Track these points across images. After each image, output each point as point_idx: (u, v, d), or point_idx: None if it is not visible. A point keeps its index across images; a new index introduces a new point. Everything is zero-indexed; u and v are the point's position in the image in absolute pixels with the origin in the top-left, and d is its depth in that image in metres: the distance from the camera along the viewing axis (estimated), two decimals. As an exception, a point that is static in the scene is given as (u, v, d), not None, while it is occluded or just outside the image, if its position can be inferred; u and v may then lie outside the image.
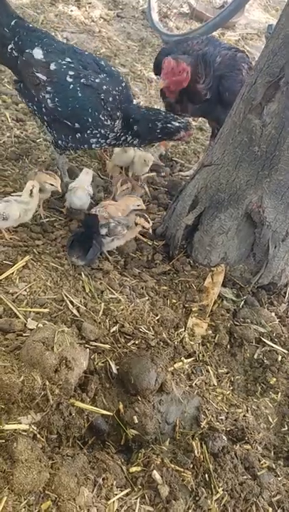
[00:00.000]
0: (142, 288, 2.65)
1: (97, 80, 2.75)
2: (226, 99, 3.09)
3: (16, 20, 2.77)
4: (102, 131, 2.83)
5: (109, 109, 2.79)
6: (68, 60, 2.74)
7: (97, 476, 1.78)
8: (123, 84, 2.88)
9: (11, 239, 2.63)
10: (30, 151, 3.39)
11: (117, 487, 1.80)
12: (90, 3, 5.77)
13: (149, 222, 2.82)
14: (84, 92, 2.73)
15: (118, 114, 2.84)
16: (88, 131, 2.81)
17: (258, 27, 6.57)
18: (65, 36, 4.99)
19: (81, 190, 2.89)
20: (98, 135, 2.85)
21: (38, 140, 3.51)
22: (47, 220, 2.91)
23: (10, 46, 2.73)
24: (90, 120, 2.78)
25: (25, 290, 2.36)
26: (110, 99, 2.78)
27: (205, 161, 2.89)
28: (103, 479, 1.78)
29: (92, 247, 2.56)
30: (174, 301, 2.66)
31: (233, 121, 2.63)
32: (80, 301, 2.41)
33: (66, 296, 2.41)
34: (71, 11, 5.48)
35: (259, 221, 2.70)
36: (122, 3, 6.12)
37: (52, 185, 2.77)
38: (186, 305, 2.65)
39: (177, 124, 2.94)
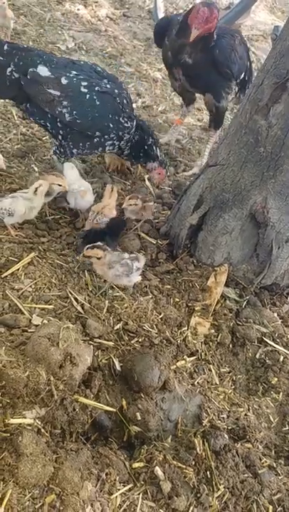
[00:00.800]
0: (146, 286, 2.67)
1: (108, 86, 2.80)
2: (216, 56, 3.26)
3: (7, 44, 2.76)
4: (120, 134, 2.89)
5: (127, 110, 2.85)
6: (75, 72, 2.76)
7: (100, 471, 1.80)
8: (124, 86, 2.96)
9: (16, 235, 2.64)
10: (36, 149, 3.41)
11: (119, 482, 1.82)
12: (96, 2, 5.78)
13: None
14: (101, 99, 2.77)
15: (132, 115, 2.91)
16: (106, 136, 2.85)
17: (263, 28, 6.58)
18: (71, 35, 5.01)
19: (90, 193, 2.92)
20: (115, 138, 2.90)
21: (43, 138, 3.53)
22: (52, 217, 2.93)
23: (9, 69, 2.70)
24: (111, 126, 2.83)
25: (30, 286, 2.38)
26: (124, 101, 2.86)
27: (210, 161, 2.91)
28: (106, 474, 1.79)
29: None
30: (178, 299, 2.68)
31: (239, 121, 2.64)
32: (85, 299, 2.43)
33: (71, 293, 2.42)
34: (78, 9, 5.49)
35: (263, 222, 2.72)
36: (129, 3, 6.14)
37: (60, 185, 2.79)
38: (189, 304, 2.67)
39: (158, 154, 3.10)
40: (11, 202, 2.57)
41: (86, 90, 2.73)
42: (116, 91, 2.83)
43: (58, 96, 2.71)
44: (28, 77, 2.69)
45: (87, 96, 2.74)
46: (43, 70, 2.70)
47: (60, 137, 2.87)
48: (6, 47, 2.72)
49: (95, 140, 2.86)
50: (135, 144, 3.04)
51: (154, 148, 3.09)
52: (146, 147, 3.06)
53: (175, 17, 3.43)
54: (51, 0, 5.48)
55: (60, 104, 2.72)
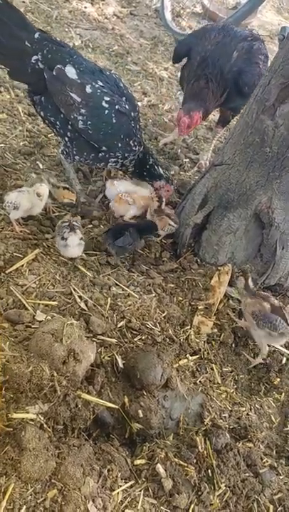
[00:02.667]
0: (150, 285, 2.67)
1: (127, 107, 2.79)
2: (245, 92, 3.20)
3: (40, 33, 2.70)
4: (126, 155, 2.90)
5: (138, 135, 2.86)
6: (100, 83, 2.73)
7: (102, 467, 1.80)
8: (137, 109, 2.94)
9: (21, 232, 2.65)
10: (42, 146, 3.41)
11: (121, 479, 1.82)
12: (103, 0, 5.78)
13: None
14: (118, 119, 2.76)
15: (142, 141, 2.92)
16: (112, 153, 2.86)
17: (270, 29, 6.56)
18: (78, 33, 5.00)
19: (110, 183, 3.03)
20: (120, 156, 2.90)
21: (49, 135, 3.53)
22: (56, 214, 2.93)
23: (35, 58, 2.65)
24: (119, 145, 2.83)
25: (34, 282, 2.38)
26: (137, 126, 2.86)
27: (216, 161, 2.91)
28: (108, 471, 1.80)
29: (123, 236, 2.68)
30: (181, 298, 2.68)
31: (245, 121, 2.64)
32: (88, 296, 2.43)
33: (74, 289, 2.43)
34: (85, 7, 5.49)
35: (268, 222, 2.72)
36: (136, 1, 6.12)
37: (71, 200, 2.87)
38: (192, 303, 2.67)
39: (162, 172, 3.11)
40: (16, 196, 2.58)
41: (107, 105, 2.72)
42: (132, 114, 2.84)
43: (78, 102, 2.68)
44: (54, 73, 2.66)
45: (106, 111, 2.72)
46: (70, 72, 2.67)
47: (66, 139, 2.85)
48: (37, 35, 2.68)
49: (100, 154, 2.86)
50: (138, 163, 3.06)
51: (156, 167, 3.12)
52: (148, 166, 3.09)
53: (195, 42, 3.34)
54: (58, -3, 5.47)
55: (78, 110, 2.69)
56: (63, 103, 2.70)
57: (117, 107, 2.75)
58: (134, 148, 2.91)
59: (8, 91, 3.78)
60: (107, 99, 2.72)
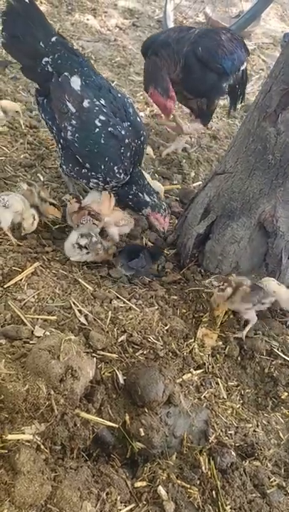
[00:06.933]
0: (152, 297, 2.62)
1: (122, 132, 2.67)
2: (198, 54, 3.28)
3: (58, 37, 2.73)
4: (107, 179, 2.77)
5: (126, 163, 2.74)
6: (102, 102, 2.67)
7: (100, 490, 1.73)
8: (142, 138, 2.82)
9: (19, 245, 2.61)
10: (43, 158, 3.39)
11: (121, 502, 1.75)
12: (106, 12, 5.81)
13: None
14: (107, 141, 2.66)
15: (131, 169, 2.80)
16: (93, 173, 2.76)
17: (274, 36, 6.53)
18: (80, 45, 5.02)
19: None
20: (101, 179, 2.78)
21: (50, 147, 3.51)
22: (57, 227, 2.90)
23: (45, 59, 2.68)
24: (102, 167, 2.71)
25: (33, 297, 2.34)
26: (128, 154, 2.73)
27: (218, 169, 2.86)
28: (107, 494, 1.73)
29: (138, 258, 2.66)
30: (184, 310, 2.62)
31: (246, 128, 2.59)
32: (88, 310, 2.38)
33: (74, 303, 2.38)
34: (87, 19, 5.52)
35: (272, 231, 2.66)
36: (138, 13, 6.15)
37: (56, 217, 2.86)
38: (196, 315, 2.61)
39: (148, 199, 2.86)
40: (9, 197, 2.57)
41: (99, 124, 2.64)
42: (127, 140, 2.70)
43: (72, 113, 2.65)
44: (60, 79, 2.66)
45: (97, 130, 2.64)
46: (75, 82, 2.65)
47: (60, 146, 2.84)
48: (54, 38, 2.70)
49: (83, 170, 2.79)
50: (121, 192, 2.89)
51: (141, 194, 2.87)
52: (130, 196, 2.89)
53: (160, 35, 3.55)
54: (61, 10, 5.51)
55: (70, 120, 2.66)
56: (58, 110, 2.70)
57: (109, 128, 2.65)
58: (117, 175, 2.75)
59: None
60: (102, 118, 2.64)
